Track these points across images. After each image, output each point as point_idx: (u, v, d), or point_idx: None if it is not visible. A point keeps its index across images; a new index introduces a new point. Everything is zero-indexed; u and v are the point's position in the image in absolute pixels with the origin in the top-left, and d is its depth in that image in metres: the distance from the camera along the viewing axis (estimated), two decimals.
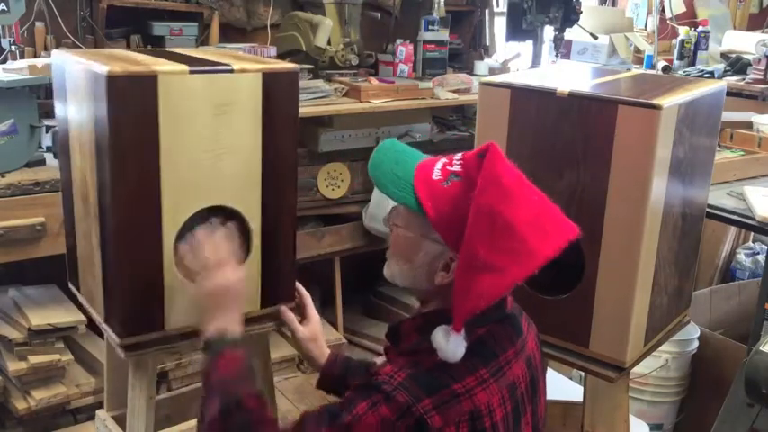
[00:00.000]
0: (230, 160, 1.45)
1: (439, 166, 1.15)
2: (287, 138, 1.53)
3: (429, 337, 1.10)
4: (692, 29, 4.26)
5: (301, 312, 1.52)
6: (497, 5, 3.99)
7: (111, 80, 1.27)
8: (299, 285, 1.55)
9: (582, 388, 1.72)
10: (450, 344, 1.07)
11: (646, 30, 4.67)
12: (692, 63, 4.18)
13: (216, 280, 1.26)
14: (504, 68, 3.68)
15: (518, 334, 1.21)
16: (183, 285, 1.41)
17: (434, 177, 1.13)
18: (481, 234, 1.05)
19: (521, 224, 1.06)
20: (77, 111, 1.48)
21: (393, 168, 1.17)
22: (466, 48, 3.82)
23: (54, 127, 2.45)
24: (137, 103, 1.31)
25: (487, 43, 3.95)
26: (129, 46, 2.81)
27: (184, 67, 1.37)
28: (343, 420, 1.07)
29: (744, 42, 4.20)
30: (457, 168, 1.13)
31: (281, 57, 3.08)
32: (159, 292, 1.43)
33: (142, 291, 1.41)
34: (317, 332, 1.49)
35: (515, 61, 3.86)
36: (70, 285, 1.70)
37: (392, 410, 1.05)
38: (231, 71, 1.42)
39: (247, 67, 1.45)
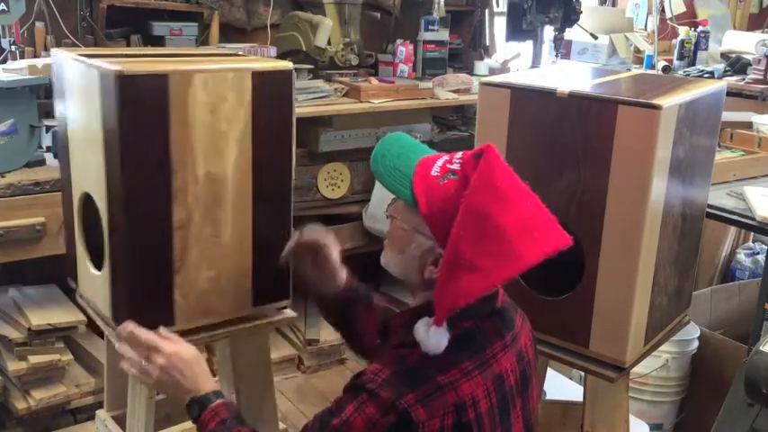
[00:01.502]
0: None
1: (439, 162, 1.16)
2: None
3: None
4: (692, 29, 4.26)
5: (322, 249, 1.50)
6: (497, 5, 3.99)
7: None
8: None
9: (582, 388, 1.72)
10: (431, 337, 1.09)
11: (646, 30, 4.67)
12: (692, 63, 4.18)
13: (161, 360, 1.28)
14: (504, 68, 3.68)
15: (508, 328, 1.21)
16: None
17: (432, 173, 1.15)
18: (468, 234, 1.06)
19: (510, 227, 1.07)
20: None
21: (395, 162, 1.19)
22: (466, 48, 3.82)
23: (54, 127, 2.45)
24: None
25: (487, 43, 3.95)
26: (129, 46, 2.81)
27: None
28: (333, 425, 1.09)
29: (744, 42, 4.20)
30: (455, 167, 1.14)
31: (281, 57, 3.08)
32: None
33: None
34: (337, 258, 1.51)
35: (515, 61, 3.86)
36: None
37: (377, 408, 1.06)
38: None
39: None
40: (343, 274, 1.50)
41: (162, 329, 1.34)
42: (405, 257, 1.20)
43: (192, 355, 1.29)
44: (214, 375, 2.63)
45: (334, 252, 1.49)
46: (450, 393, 1.09)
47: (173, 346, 1.29)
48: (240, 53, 1.87)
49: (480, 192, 1.07)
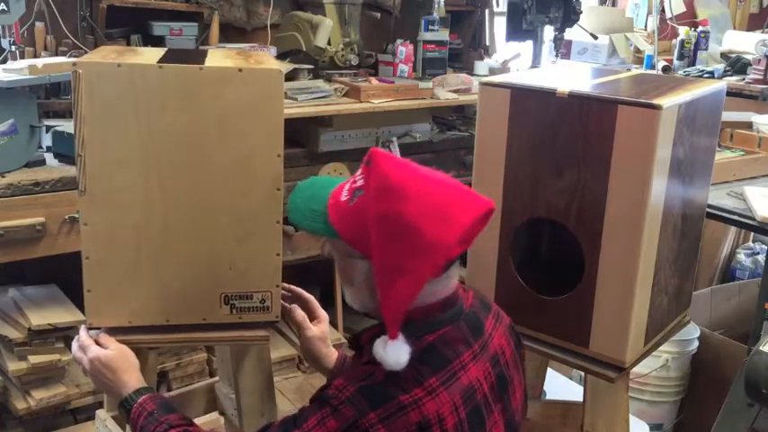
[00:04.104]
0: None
1: (346, 186, 1.17)
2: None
3: None
4: (692, 29, 4.26)
5: (310, 313, 1.54)
6: (497, 5, 3.99)
7: None
8: (300, 290, 1.58)
9: (582, 388, 1.72)
10: (389, 352, 1.07)
11: (646, 30, 4.67)
12: (692, 63, 4.18)
13: (86, 365, 1.39)
14: (504, 68, 3.68)
15: (477, 334, 1.20)
16: None
17: (342, 199, 1.16)
18: (384, 239, 1.07)
19: (416, 218, 1.06)
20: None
21: (309, 204, 1.21)
22: (466, 48, 3.82)
23: (54, 127, 2.46)
24: None
25: (487, 43, 3.95)
26: (128, 46, 2.81)
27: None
28: None
29: (744, 42, 4.20)
30: (360, 183, 1.14)
31: (280, 57, 3.08)
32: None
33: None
34: (326, 332, 1.53)
35: (515, 61, 3.86)
36: None
37: (338, 424, 1.07)
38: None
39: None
40: (332, 354, 1.51)
41: (101, 334, 1.44)
42: (356, 287, 1.20)
43: (114, 359, 1.37)
44: (213, 375, 2.63)
45: (319, 329, 1.52)
46: (413, 412, 1.07)
47: (94, 352, 1.37)
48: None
49: (378, 196, 1.08)
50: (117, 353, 1.39)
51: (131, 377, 1.35)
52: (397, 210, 1.06)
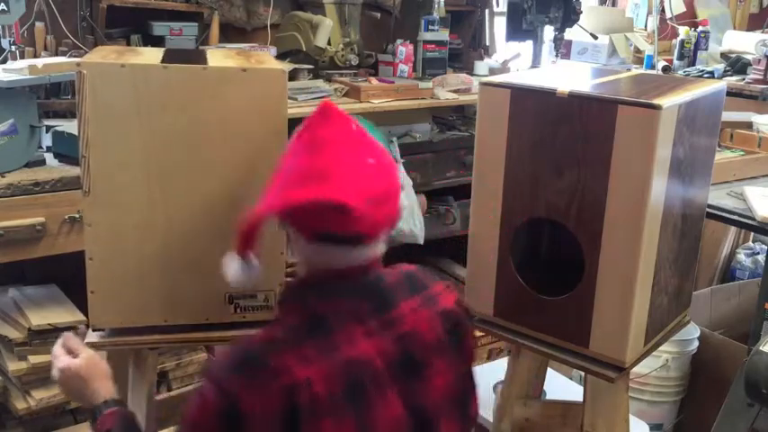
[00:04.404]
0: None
1: None
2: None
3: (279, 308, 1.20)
4: (692, 29, 4.26)
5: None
6: (497, 5, 3.99)
7: None
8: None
9: (582, 388, 1.72)
10: (225, 264, 1.16)
11: (646, 30, 4.67)
12: (692, 63, 4.18)
13: (57, 377, 1.37)
14: (504, 68, 3.68)
15: (380, 312, 1.17)
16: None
17: None
18: (276, 170, 1.15)
19: (289, 159, 1.13)
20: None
21: None
22: (466, 48, 3.82)
23: (54, 127, 2.45)
24: None
25: (487, 43, 3.95)
26: (128, 45, 2.81)
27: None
28: (185, 418, 1.12)
29: (744, 42, 4.20)
30: None
31: (280, 57, 3.08)
32: None
33: None
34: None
35: (515, 61, 3.86)
36: None
37: (211, 391, 1.08)
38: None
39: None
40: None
41: (71, 338, 1.42)
42: None
43: (83, 367, 1.35)
44: None
45: None
46: (283, 377, 1.07)
47: (64, 362, 1.36)
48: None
49: (295, 139, 1.15)
50: (86, 361, 1.36)
51: (101, 386, 1.33)
52: (292, 152, 1.13)
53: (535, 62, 3.45)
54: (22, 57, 2.58)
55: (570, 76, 1.74)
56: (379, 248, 1.19)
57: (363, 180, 1.10)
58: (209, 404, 1.08)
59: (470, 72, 3.55)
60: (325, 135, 1.12)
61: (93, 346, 1.58)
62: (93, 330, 1.56)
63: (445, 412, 1.21)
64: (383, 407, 1.14)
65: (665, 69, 4.07)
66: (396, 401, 1.15)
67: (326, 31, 3.05)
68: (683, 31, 4.25)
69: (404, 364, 1.17)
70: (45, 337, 2.39)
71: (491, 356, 3.37)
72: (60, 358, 1.37)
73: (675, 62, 4.17)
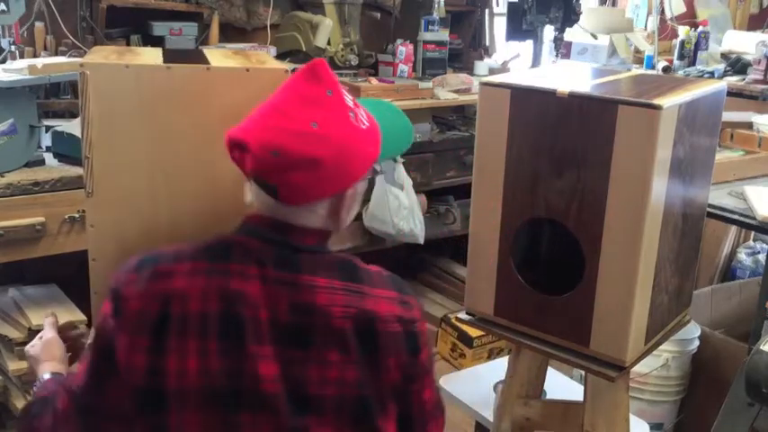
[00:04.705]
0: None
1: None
2: None
3: None
4: (692, 29, 4.26)
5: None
6: (497, 5, 4.00)
7: None
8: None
9: (582, 387, 1.72)
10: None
11: (646, 30, 4.68)
12: (692, 63, 4.18)
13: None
14: (504, 68, 3.69)
15: (287, 267, 1.14)
16: None
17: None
18: None
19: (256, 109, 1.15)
20: None
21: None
22: (466, 48, 3.83)
23: (54, 127, 2.46)
24: None
25: (487, 43, 3.96)
26: (129, 46, 2.81)
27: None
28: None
29: (744, 42, 4.20)
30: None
31: (280, 57, 3.09)
32: None
33: None
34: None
35: (515, 61, 3.86)
36: None
37: (108, 295, 1.15)
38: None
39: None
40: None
41: (46, 321, 1.50)
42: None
43: (37, 349, 1.42)
44: None
45: None
46: (163, 281, 1.11)
47: (29, 344, 1.45)
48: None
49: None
50: (43, 344, 1.43)
51: (49, 366, 1.38)
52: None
53: (535, 62, 3.46)
54: (22, 57, 2.58)
55: (570, 77, 1.74)
56: (310, 221, 1.16)
57: (281, 133, 1.10)
58: (105, 306, 1.14)
59: (470, 72, 3.55)
60: (291, 85, 1.16)
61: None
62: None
63: (330, 407, 1.13)
64: (257, 358, 1.10)
65: (665, 69, 4.07)
66: (271, 361, 1.11)
67: (326, 31, 3.05)
68: (683, 31, 4.25)
69: (291, 331, 1.12)
70: None
71: (491, 356, 3.37)
72: (31, 342, 1.45)
73: (675, 62, 4.18)
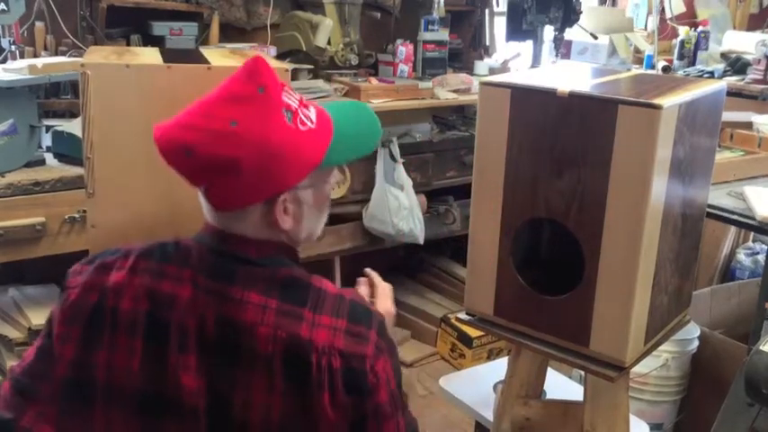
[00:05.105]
0: None
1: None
2: None
3: None
4: (692, 29, 4.26)
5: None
6: (497, 5, 4.00)
7: None
8: (376, 279, 1.38)
9: (582, 387, 1.72)
10: None
11: (646, 30, 4.68)
12: (692, 63, 4.18)
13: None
14: (504, 68, 3.69)
15: (216, 277, 1.08)
16: None
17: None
18: None
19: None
20: None
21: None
22: (466, 48, 3.83)
23: (54, 127, 2.46)
24: None
25: (487, 43, 3.96)
26: (128, 46, 2.81)
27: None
28: None
29: (744, 42, 4.20)
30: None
31: (280, 56, 3.09)
32: None
33: None
34: None
35: (515, 61, 3.86)
36: None
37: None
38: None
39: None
40: None
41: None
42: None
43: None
44: None
45: None
46: (103, 274, 1.10)
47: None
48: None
49: None
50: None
51: None
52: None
53: (535, 62, 3.46)
54: (22, 56, 2.58)
55: (570, 76, 1.74)
56: (247, 230, 1.09)
57: (195, 132, 1.03)
58: (60, 296, 1.14)
59: (470, 72, 3.55)
60: (224, 82, 1.07)
61: None
62: None
63: (254, 425, 1.06)
64: (179, 367, 1.06)
65: (665, 69, 4.07)
66: (194, 373, 1.06)
67: (326, 30, 3.05)
68: (683, 31, 4.25)
69: (217, 345, 1.06)
70: None
71: (491, 356, 3.37)
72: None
73: (675, 62, 4.18)
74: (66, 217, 2.26)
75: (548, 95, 1.49)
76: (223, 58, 1.61)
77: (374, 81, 3.06)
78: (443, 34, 3.41)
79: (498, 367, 2.09)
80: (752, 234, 3.63)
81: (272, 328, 1.04)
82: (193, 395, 1.05)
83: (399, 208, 2.99)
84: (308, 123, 1.08)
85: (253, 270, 1.09)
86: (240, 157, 1.01)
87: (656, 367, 2.66)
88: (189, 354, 1.06)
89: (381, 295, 1.33)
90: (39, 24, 2.69)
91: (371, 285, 1.36)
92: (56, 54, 2.69)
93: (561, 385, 2.23)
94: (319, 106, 1.16)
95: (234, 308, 1.06)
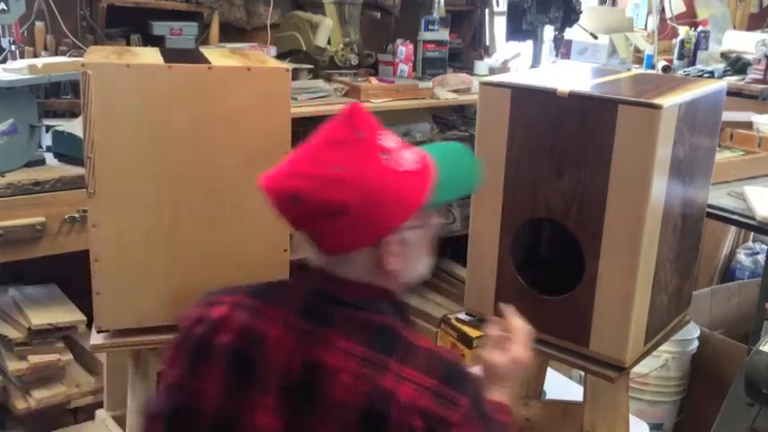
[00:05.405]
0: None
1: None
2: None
3: None
4: (692, 29, 4.26)
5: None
6: (497, 5, 3.99)
7: None
8: (515, 322, 1.29)
9: (582, 388, 1.72)
10: None
11: (646, 30, 4.67)
12: (692, 63, 4.18)
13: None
14: (504, 68, 3.68)
15: (310, 317, 1.08)
16: None
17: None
18: None
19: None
20: None
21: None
22: (466, 48, 3.83)
23: (54, 127, 2.45)
24: None
25: (487, 43, 3.95)
26: (128, 45, 2.81)
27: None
28: None
29: (744, 42, 4.20)
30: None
31: (280, 56, 3.08)
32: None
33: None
34: (495, 365, 1.27)
35: (515, 61, 3.86)
36: None
37: None
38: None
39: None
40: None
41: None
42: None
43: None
44: None
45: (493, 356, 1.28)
46: (209, 308, 1.13)
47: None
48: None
49: None
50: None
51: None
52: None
53: (535, 62, 3.45)
54: (22, 56, 2.58)
55: (570, 76, 1.74)
56: (351, 272, 1.09)
57: (301, 179, 1.03)
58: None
59: (470, 72, 3.55)
60: (323, 128, 1.09)
61: (97, 347, 1.58)
62: (98, 332, 1.55)
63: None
64: (256, 405, 1.06)
65: (665, 69, 4.07)
66: (270, 413, 1.05)
67: (326, 30, 3.05)
68: (683, 30, 4.25)
69: (298, 388, 1.04)
70: (45, 336, 2.39)
71: None
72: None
73: (675, 62, 4.17)
74: (67, 217, 2.26)
75: (548, 95, 1.49)
76: (223, 58, 1.61)
77: (374, 81, 3.06)
78: (443, 34, 3.41)
79: None
80: (752, 234, 3.63)
81: (353, 376, 1.00)
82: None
83: None
84: (407, 165, 1.08)
85: (347, 312, 1.07)
86: (347, 202, 1.01)
87: (656, 367, 2.66)
88: (268, 393, 1.05)
89: (518, 340, 1.25)
90: (39, 24, 2.69)
91: (507, 326, 1.28)
92: (56, 54, 2.69)
93: (561, 385, 2.23)
94: (420, 149, 1.16)
95: (320, 350, 1.03)
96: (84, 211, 1.83)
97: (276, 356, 1.06)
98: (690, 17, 4.67)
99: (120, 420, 1.83)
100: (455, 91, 3.19)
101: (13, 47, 2.49)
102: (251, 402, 1.05)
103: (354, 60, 3.21)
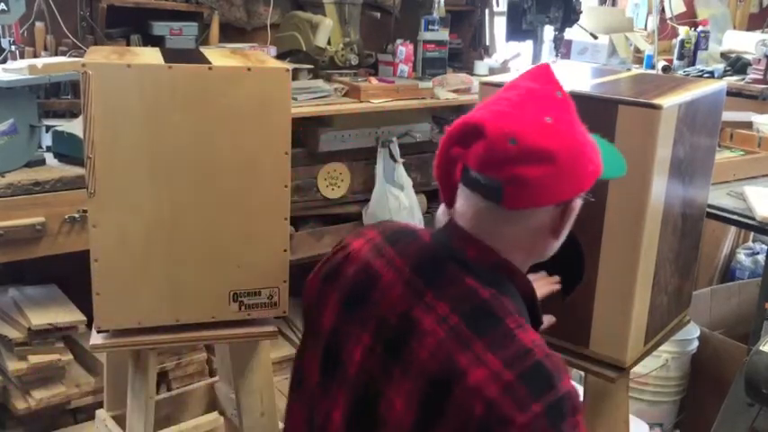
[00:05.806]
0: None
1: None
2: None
3: None
4: (692, 29, 4.26)
5: None
6: (497, 5, 3.99)
7: None
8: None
9: (582, 388, 1.72)
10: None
11: (646, 30, 4.68)
12: (692, 63, 4.18)
13: None
14: (504, 68, 3.68)
15: (429, 281, 1.05)
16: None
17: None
18: None
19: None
20: None
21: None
22: (466, 47, 3.82)
23: (54, 127, 2.46)
24: None
25: (487, 43, 3.95)
26: (128, 45, 2.81)
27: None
28: None
29: (744, 42, 4.20)
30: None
31: (280, 56, 3.08)
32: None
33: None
34: None
35: (515, 61, 3.86)
36: None
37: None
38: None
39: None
40: None
41: None
42: None
43: None
44: (212, 375, 2.63)
45: None
46: (354, 238, 1.20)
47: None
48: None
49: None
50: None
51: None
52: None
53: (535, 62, 3.45)
54: (22, 57, 2.58)
55: (570, 76, 1.74)
56: (509, 232, 1.04)
57: (517, 121, 0.99)
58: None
59: (470, 72, 3.55)
60: (518, 83, 1.06)
61: (97, 347, 1.58)
62: (98, 332, 1.56)
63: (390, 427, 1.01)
64: (353, 338, 1.09)
65: (665, 69, 4.07)
66: (364, 347, 1.06)
67: (326, 30, 3.05)
68: (683, 30, 4.25)
69: (393, 335, 1.03)
70: (45, 337, 2.39)
71: None
72: None
73: (675, 62, 4.17)
74: (67, 217, 2.26)
75: None
76: (224, 58, 1.61)
77: (374, 81, 3.06)
78: (443, 34, 3.41)
79: None
80: (752, 234, 3.63)
81: (437, 343, 0.97)
82: (354, 366, 1.07)
83: (399, 208, 2.99)
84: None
85: (460, 275, 1.03)
86: (558, 150, 0.98)
87: (656, 367, 2.66)
88: (366, 331, 1.07)
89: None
90: (39, 24, 2.69)
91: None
92: (56, 54, 2.69)
93: None
94: None
95: (419, 308, 1.02)
96: (84, 211, 1.83)
97: (382, 300, 1.07)
98: (690, 17, 4.68)
99: (120, 420, 1.83)
100: (455, 91, 3.19)
101: (13, 47, 2.49)
102: (354, 335, 1.09)
103: (354, 60, 3.21)
